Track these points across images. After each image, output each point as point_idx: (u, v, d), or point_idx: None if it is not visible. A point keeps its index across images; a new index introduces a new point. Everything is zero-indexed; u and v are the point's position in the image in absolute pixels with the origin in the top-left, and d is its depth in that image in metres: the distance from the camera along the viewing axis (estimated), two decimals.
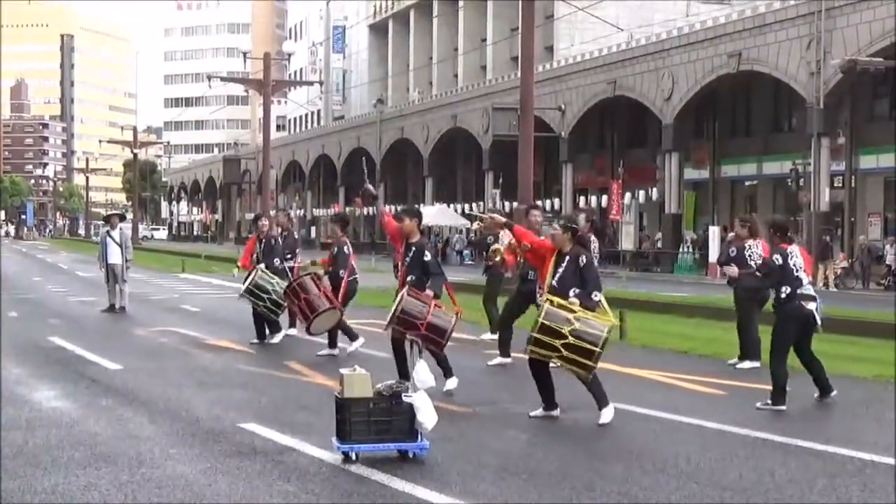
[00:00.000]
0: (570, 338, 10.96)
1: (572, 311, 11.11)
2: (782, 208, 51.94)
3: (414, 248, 13.29)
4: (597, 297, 11.42)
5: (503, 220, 13.02)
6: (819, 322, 12.77)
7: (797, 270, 12.69)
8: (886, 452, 10.13)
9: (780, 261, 12.72)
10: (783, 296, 12.67)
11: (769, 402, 12.59)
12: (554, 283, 11.50)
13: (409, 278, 13.11)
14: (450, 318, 12.73)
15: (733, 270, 14.76)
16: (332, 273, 17.17)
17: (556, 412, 11.68)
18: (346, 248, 17.37)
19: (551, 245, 11.78)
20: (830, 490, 8.81)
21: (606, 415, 11.35)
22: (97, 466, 9.39)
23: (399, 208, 13.99)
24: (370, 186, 16.00)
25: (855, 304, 28.58)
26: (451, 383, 13.28)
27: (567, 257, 11.54)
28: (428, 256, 13.24)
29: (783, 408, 12.47)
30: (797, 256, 12.82)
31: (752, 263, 15.53)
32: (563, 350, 11.01)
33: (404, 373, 12.93)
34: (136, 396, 13.24)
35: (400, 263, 13.58)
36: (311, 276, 17.12)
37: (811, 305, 12.67)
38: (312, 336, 17.25)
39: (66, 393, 13.59)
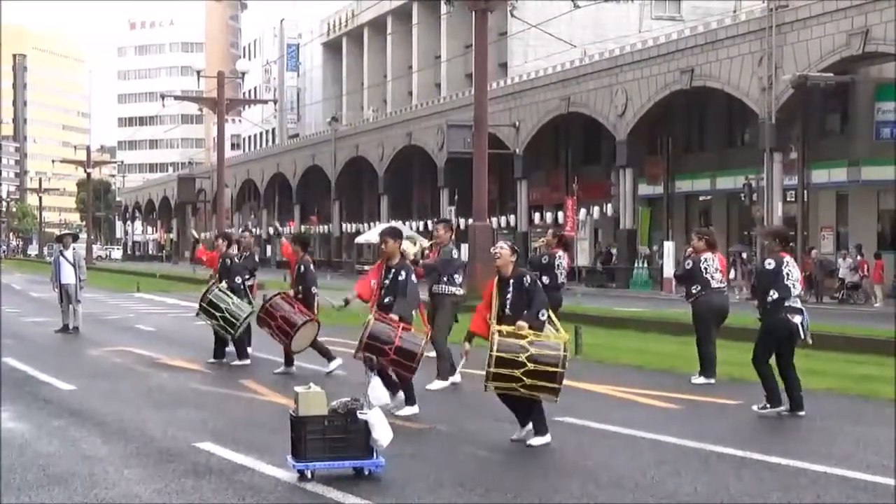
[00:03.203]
0: (529, 364, 10.70)
1: (524, 338, 10.88)
2: (736, 223, 52.27)
3: (394, 271, 12.97)
4: (544, 315, 11.22)
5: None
6: (803, 336, 12.87)
7: (789, 279, 12.78)
8: (839, 464, 10.19)
9: (773, 265, 12.83)
10: (769, 300, 12.74)
11: (767, 405, 12.77)
12: (508, 311, 11.27)
13: (385, 300, 12.93)
14: (419, 342, 12.46)
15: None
16: (303, 290, 17.03)
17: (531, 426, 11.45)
18: (311, 266, 17.34)
19: (490, 285, 11.62)
20: (785, 502, 8.86)
21: (539, 441, 11.17)
22: (50, 488, 9.32)
23: (383, 228, 13.63)
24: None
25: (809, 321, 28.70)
26: (409, 410, 13.04)
27: (512, 281, 11.36)
28: (402, 276, 12.90)
29: (783, 408, 12.68)
30: (793, 267, 12.95)
31: (709, 277, 15.66)
32: (524, 378, 10.73)
33: (392, 386, 12.72)
34: (89, 417, 13.15)
35: (378, 285, 13.22)
36: (281, 295, 17.00)
37: (797, 318, 12.77)
38: (296, 353, 17.12)
39: (19, 414, 13.47)
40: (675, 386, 15.66)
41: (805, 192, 47.41)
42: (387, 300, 12.83)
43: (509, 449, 11.11)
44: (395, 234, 13.30)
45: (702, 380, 16.01)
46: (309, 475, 9.39)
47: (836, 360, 18.79)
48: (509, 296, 11.32)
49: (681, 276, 16.33)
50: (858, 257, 42.63)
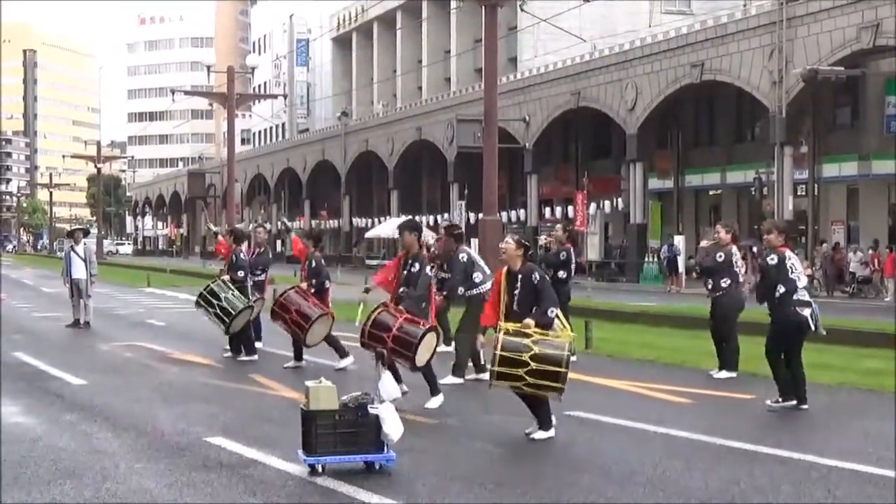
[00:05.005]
0: (533, 364, 10.74)
1: (528, 336, 10.87)
2: (746, 217, 52.18)
3: (410, 262, 13.12)
4: (552, 312, 11.16)
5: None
6: (814, 328, 12.91)
7: (793, 272, 12.83)
8: (850, 459, 10.18)
9: (775, 261, 12.85)
10: (778, 294, 12.78)
11: (780, 399, 12.80)
12: (515, 307, 11.24)
13: (401, 290, 13.03)
14: (418, 332, 12.53)
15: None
16: (316, 284, 17.07)
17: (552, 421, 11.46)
18: (321, 260, 17.40)
19: (497, 277, 11.62)
20: (795, 497, 8.85)
21: (542, 434, 11.17)
22: (61, 482, 9.33)
23: (402, 221, 13.79)
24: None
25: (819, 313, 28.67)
26: (435, 402, 13.11)
27: (520, 276, 11.26)
28: (416, 267, 13.04)
29: (794, 402, 12.66)
30: (795, 260, 13.00)
31: (737, 270, 15.66)
32: (527, 378, 10.78)
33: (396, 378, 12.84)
34: (100, 411, 13.16)
35: (395, 278, 13.33)
36: (295, 289, 17.02)
37: (806, 311, 12.81)
38: (309, 347, 17.14)
39: (30, 408, 13.50)
40: (687, 380, 15.63)
41: (815, 186, 47.34)
42: (401, 290, 12.98)
43: (519, 444, 11.11)
44: (412, 227, 13.44)
45: (724, 374, 15.92)
46: (319, 469, 9.40)
47: (847, 355, 18.75)
48: (517, 292, 11.27)
49: (709, 269, 16.18)
50: (870, 251, 42.53)
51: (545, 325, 11.06)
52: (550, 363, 10.79)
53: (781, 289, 12.83)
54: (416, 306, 12.87)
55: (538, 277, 11.29)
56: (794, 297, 12.82)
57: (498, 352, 10.83)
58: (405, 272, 13.12)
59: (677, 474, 9.60)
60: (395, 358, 12.54)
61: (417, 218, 74.81)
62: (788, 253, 13.09)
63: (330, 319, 16.84)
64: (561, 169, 66.49)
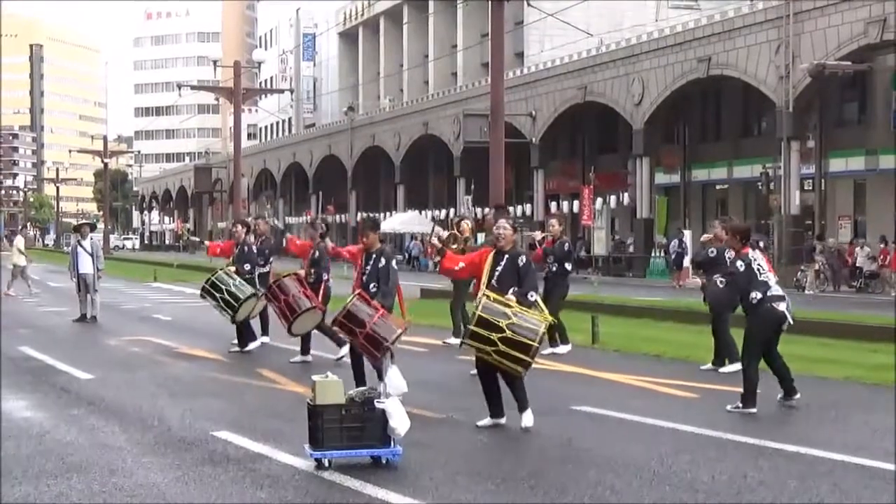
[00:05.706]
0: (507, 331, 10.88)
1: (509, 307, 11.07)
2: (753, 212, 52.16)
3: (374, 256, 13.29)
4: (532, 297, 11.44)
5: (438, 245, 12.62)
6: (790, 320, 12.81)
7: (762, 273, 12.72)
8: (856, 453, 10.18)
9: (743, 267, 12.74)
10: (754, 301, 12.67)
11: (739, 404, 12.63)
12: (493, 282, 11.48)
13: (370, 286, 13.05)
14: (393, 331, 12.26)
15: (696, 282, 14.83)
16: (315, 275, 17.09)
17: (503, 420, 11.60)
18: (325, 251, 17.36)
19: (483, 251, 11.92)
20: (802, 491, 8.85)
21: (528, 418, 11.34)
22: (69, 476, 9.35)
23: (365, 216, 13.98)
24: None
25: (825, 307, 28.71)
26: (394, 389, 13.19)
27: (506, 256, 11.56)
28: (383, 262, 13.22)
29: (754, 410, 12.51)
30: (760, 260, 12.86)
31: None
32: (499, 344, 10.90)
33: (360, 379, 12.94)
34: (107, 406, 13.19)
35: (358, 272, 13.41)
36: (291, 276, 17.02)
37: (782, 306, 12.71)
38: (294, 336, 17.17)
39: (37, 403, 13.53)
40: (693, 375, 15.64)
41: (822, 181, 47.33)
42: (371, 286, 13.01)
43: (526, 438, 11.12)
44: (375, 226, 13.82)
45: (730, 368, 15.83)
46: (326, 464, 9.42)
47: (853, 349, 18.74)
48: (500, 268, 11.54)
49: (702, 263, 16.23)
50: (881, 245, 42.42)
51: (525, 305, 11.27)
52: (525, 336, 10.94)
53: (757, 295, 12.64)
54: (389, 302, 12.94)
55: (524, 261, 11.63)
56: (769, 294, 12.69)
57: (478, 312, 11.02)
58: (369, 267, 13.27)
59: (684, 468, 9.60)
60: (363, 352, 12.43)
61: (423, 213, 75.05)
62: (752, 254, 12.88)
63: (319, 313, 16.81)
64: (567, 163, 66.44)
